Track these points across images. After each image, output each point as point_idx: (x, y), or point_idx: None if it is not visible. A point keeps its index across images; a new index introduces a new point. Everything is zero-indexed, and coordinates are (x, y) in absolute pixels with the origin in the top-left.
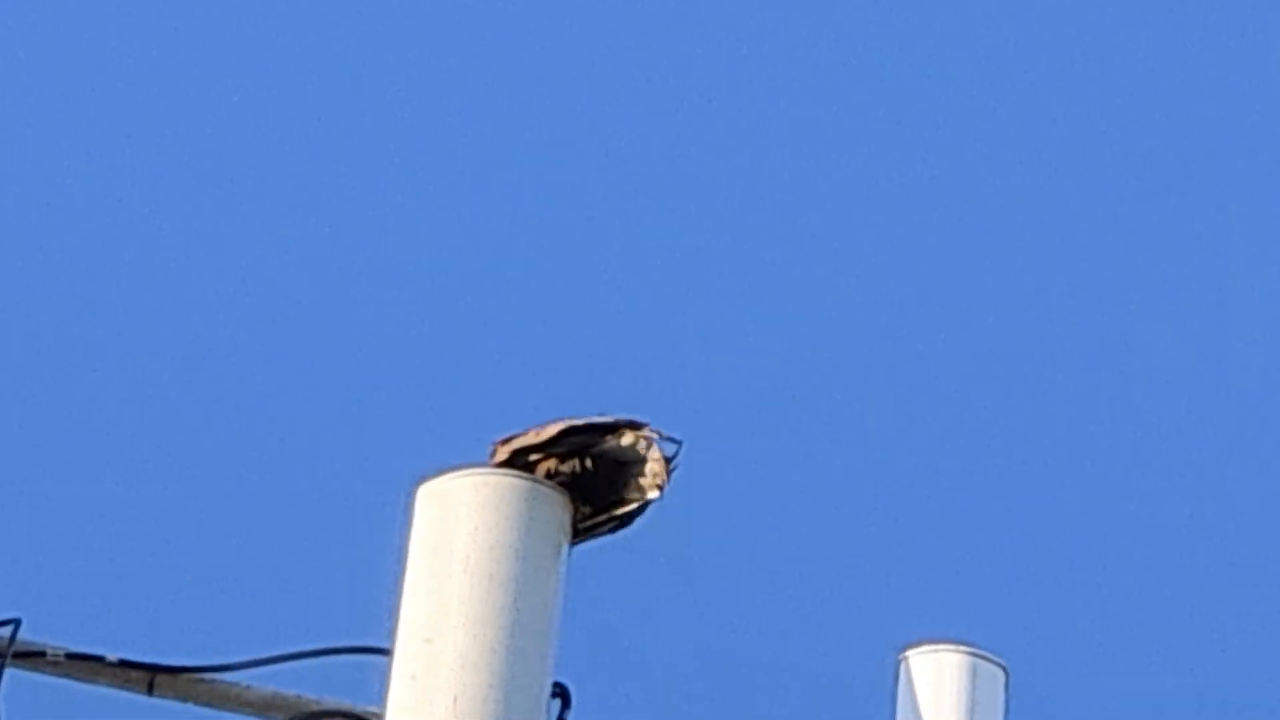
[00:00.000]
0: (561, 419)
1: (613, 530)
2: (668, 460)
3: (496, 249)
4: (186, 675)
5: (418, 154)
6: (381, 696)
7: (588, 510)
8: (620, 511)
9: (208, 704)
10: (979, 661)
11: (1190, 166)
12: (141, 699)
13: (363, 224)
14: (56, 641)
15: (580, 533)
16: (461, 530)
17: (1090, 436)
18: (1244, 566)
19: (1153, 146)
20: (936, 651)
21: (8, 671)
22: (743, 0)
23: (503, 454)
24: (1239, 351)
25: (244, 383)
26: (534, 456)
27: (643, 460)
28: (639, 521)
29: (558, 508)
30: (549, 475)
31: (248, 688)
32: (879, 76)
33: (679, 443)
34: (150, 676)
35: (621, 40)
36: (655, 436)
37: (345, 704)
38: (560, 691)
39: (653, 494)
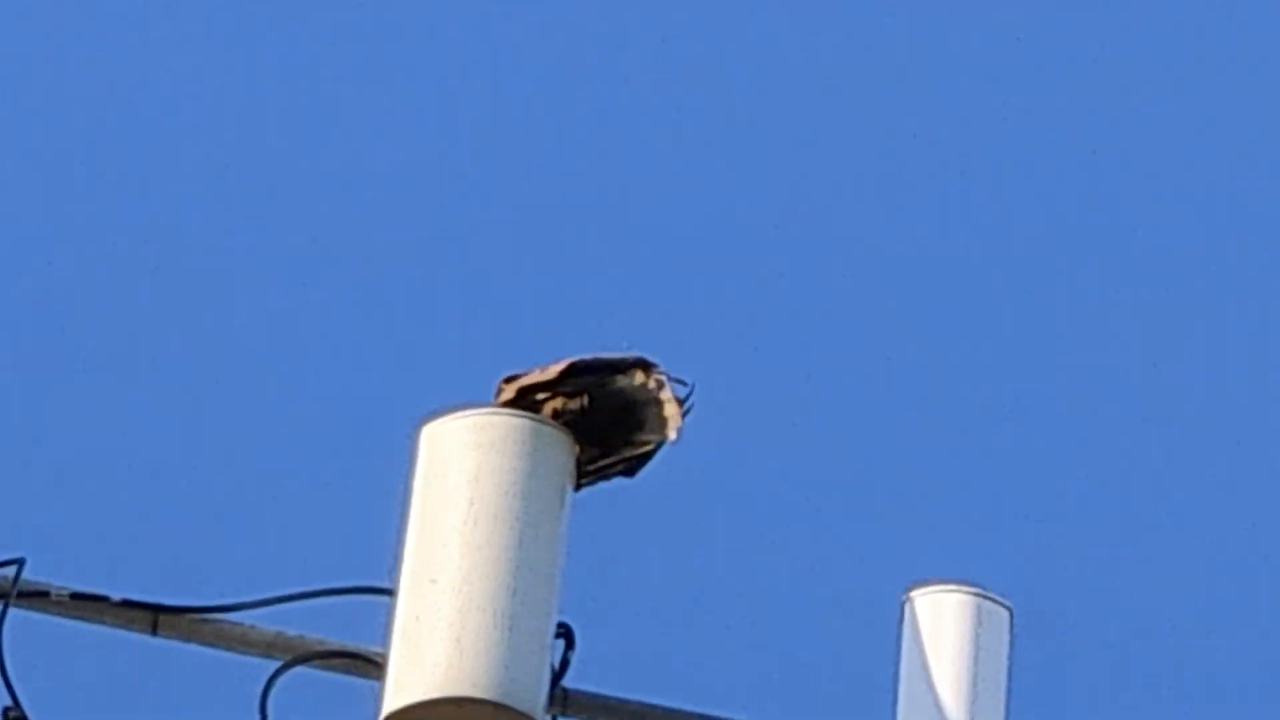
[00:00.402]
0: (569, 357)
1: (623, 473)
2: (681, 402)
3: (506, 188)
4: (190, 615)
5: (427, 94)
6: (385, 637)
7: (595, 451)
8: (633, 454)
9: (212, 644)
10: (983, 602)
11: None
12: (145, 639)
13: (370, 163)
14: (60, 581)
15: (589, 474)
16: (465, 470)
17: (1099, 374)
18: (1252, 507)
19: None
20: (941, 592)
21: (11, 611)
22: None
23: (508, 393)
24: (1244, 290)
25: (247, 323)
26: (540, 395)
27: (656, 401)
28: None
29: (562, 447)
30: (555, 414)
31: (252, 628)
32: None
33: (687, 385)
34: (154, 616)
35: None
36: (664, 378)
37: (349, 644)
38: (565, 632)
39: (670, 435)
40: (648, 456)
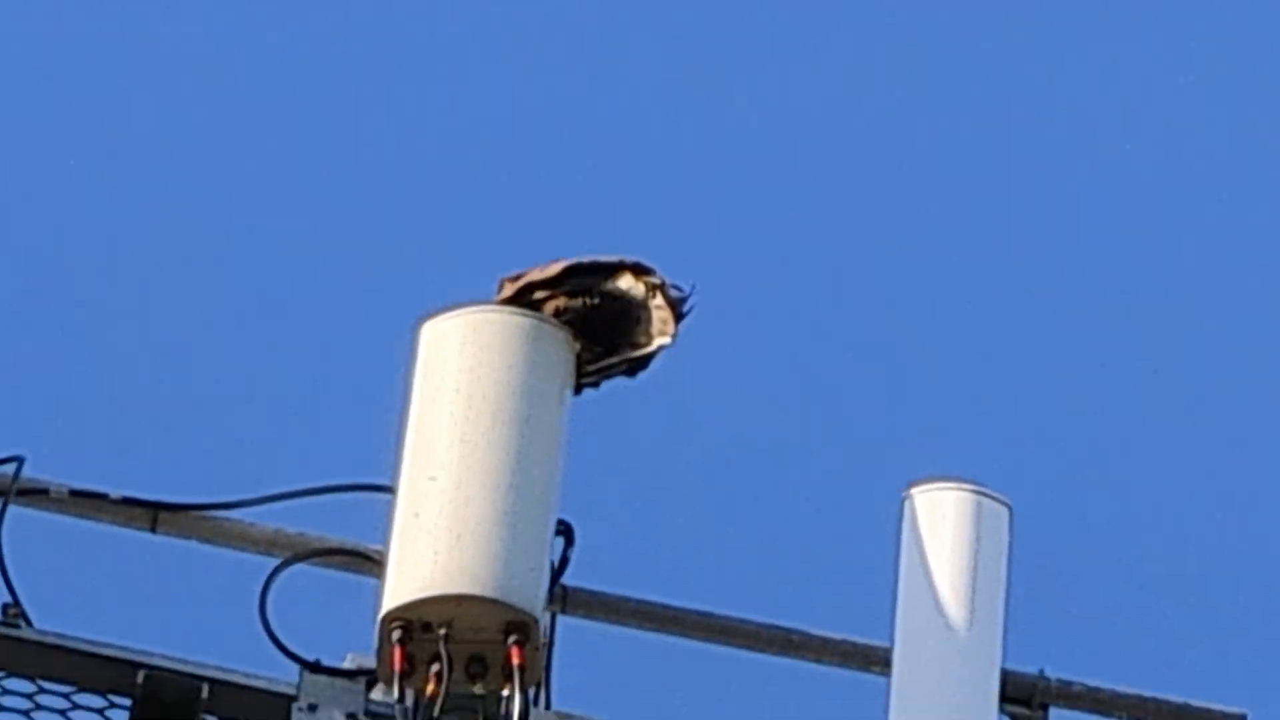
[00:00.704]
0: (567, 259)
1: (625, 373)
2: (674, 306)
3: (510, 88)
4: (190, 513)
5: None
6: (385, 534)
7: (598, 350)
8: (632, 355)
9: (211, 541)
10: (983, 499)
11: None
12: (144, 536)
13: (376, 61)
14: (59, 479)
15: (591, 374)
16: (465, 368)
17: (1100, 272)
18: (1254, 405)
19: None
20: (940, 489)
21: (10, 509)
22: None
23: (509, 290)
24: (1248, 187)
25: (247, 221)
26: (540, 294)
27: (647, 307)
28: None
29: (562, 345)
30: (557, 313)
31: (251, 525)
32: None
33: (680, 288)
34: (153, 514)
35: None
36: (660, 282)
37: (349, 542)
38: (564, 530)
39: (662, 340)
40: (648, 358)
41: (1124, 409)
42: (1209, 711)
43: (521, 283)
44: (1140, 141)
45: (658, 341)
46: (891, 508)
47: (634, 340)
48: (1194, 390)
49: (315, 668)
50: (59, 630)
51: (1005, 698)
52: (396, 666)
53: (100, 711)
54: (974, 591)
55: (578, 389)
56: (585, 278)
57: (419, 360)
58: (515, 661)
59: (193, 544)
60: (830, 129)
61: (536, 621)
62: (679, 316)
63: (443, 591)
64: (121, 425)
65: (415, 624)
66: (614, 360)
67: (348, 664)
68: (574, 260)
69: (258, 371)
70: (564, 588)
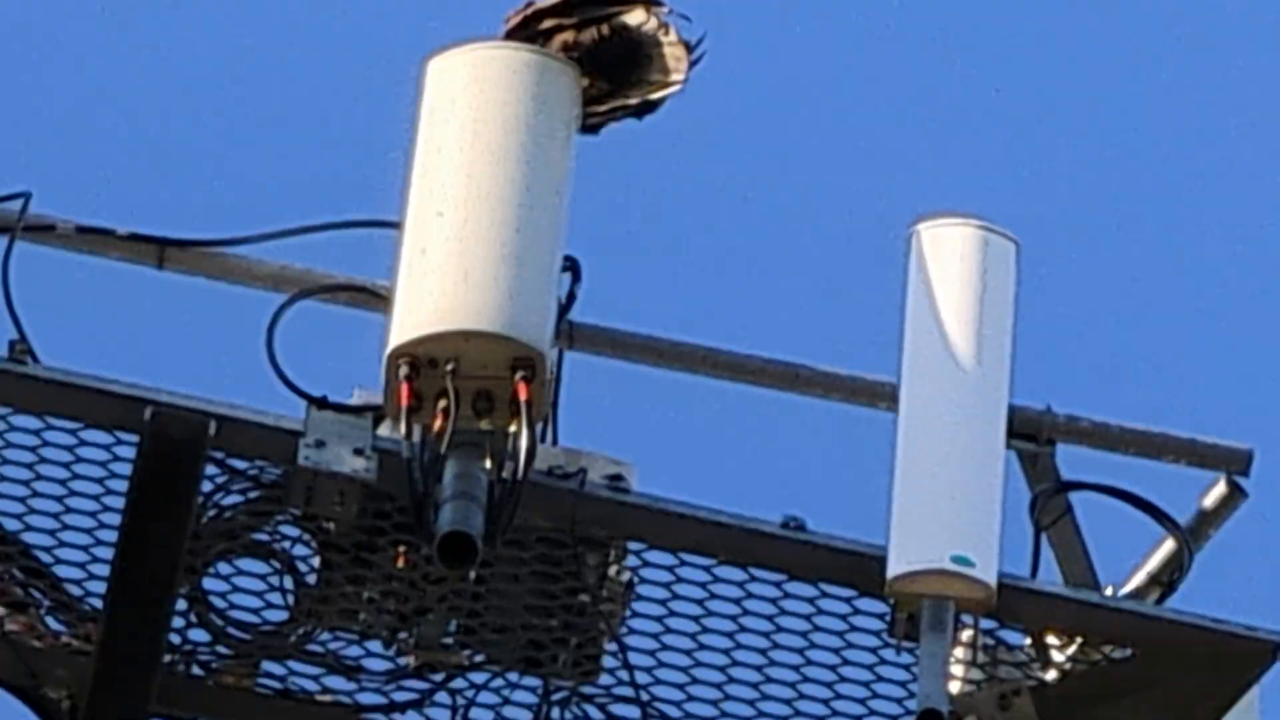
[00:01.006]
0: None
1: (634, 115)
2: (688, 46)
3: None
4: (196, 249)
5: None
6: (392, 271)
7: (606, 87)
8: (642, 98)
9: (217, 277)
10: (990, 235)
11: None
12: (151, 272)
13: None
14: (66, 215)
15: (601, 114)
16: (471, 104)
17: (1112, 13)
18: (1257, 148)
19: None
20: (947, 225)
21: (17, 245)
22: None
23: (515, 20)
24: None
25: None
26: (548, 23)
27: (658, 44)
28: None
29: (568, 80)
30: (565, 48)
31: (258, 261)
32: None
33: (690, 21)
34: (160, 250)
35: None
36: (668, 13)
37: (356, 278)
38: (571, 266)
39: (674, 80)
40: (659, 101)
41: (1133, 143)
42: (1216, 447)
43: (528, 10)
44: None
45: (670, 82)
46: (898, 243)
47: (645, 78)
48: (1205, 120)
49: (322, 404)
50: (66, 367)
51: (1012, 433)
52: (403, 402)
53: (107, 448)
54: (981, 327)
55: (587, 129)
56: (594, 8)
57: (425, 96)
58: (522, 397)
59: (199, 280)
60: None
61: (543, 357)
62: (692, 61)
63: (449, 327)
64: (129, 161)
65: (422, 360)
66: (625, 101)
67: (355, 400)
68: None
69: (266, 108)
70: (570, 323)
